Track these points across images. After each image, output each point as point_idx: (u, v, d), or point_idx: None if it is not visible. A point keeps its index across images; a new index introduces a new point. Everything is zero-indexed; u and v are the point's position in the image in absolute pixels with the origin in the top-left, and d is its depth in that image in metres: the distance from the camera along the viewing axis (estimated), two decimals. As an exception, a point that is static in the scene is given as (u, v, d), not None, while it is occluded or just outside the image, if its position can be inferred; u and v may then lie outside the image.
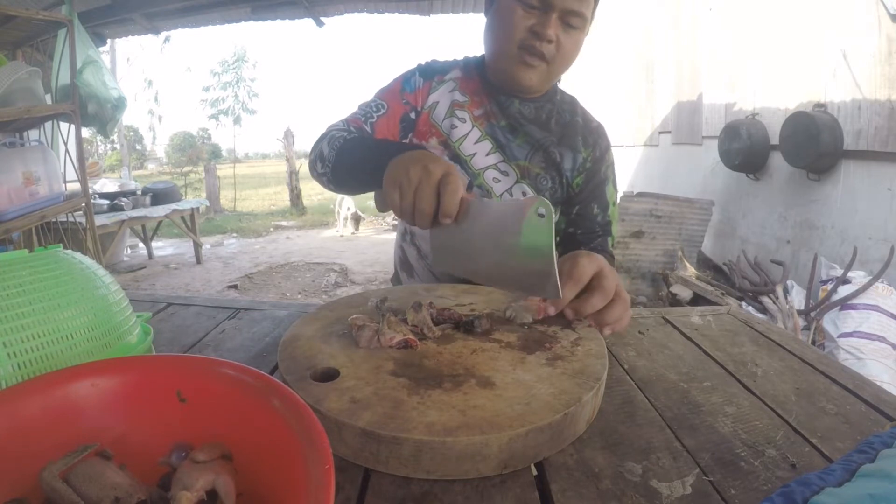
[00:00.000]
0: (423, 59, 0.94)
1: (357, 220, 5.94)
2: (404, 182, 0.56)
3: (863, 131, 2.75)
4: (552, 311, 0.60)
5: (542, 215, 0.51)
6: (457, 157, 0.86)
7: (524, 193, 0.86)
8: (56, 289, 0.42)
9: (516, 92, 0.85)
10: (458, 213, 0.56)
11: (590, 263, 0.57)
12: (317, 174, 0.84)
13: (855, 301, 2.21)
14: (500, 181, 0.86)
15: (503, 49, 0.80)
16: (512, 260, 0.56)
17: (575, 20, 0.75)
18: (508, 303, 0.63)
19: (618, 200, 0.92)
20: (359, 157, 0.74)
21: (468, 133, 0.86)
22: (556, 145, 0.87)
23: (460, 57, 0.94)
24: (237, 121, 15.01)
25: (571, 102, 0.92)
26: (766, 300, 2.58)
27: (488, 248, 0.57)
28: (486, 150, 0.86)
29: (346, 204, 6.26)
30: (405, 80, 0.90)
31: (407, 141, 0.90)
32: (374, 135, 0.86)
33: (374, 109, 0.87)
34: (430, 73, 0.90)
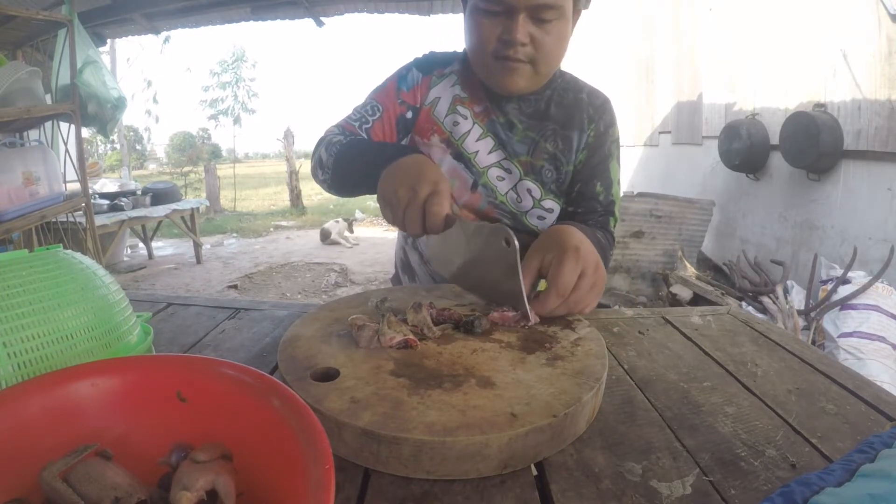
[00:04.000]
0: (419, 53, 0.90)
1: (336, 241, 6.13)
2: (394, 201, 0.61)
3: (863, 131, 2.75)
4: (534, 318, 0.59)
5: (508, 243, 0.56)
6: (460, 155, 0.84)
7: (529, 191, 0.84)
8: (56, 289, 0.42)
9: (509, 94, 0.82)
10: (445, 227, 0.60)
11: (573, 270, 0.58)
12: (319, 180, 0.85)
13: (855, 301, 2.21)
14: (503, 179, 0.84)
15: (479, 61, 0.77)
16: (487, 276, 0.62)
17: (548, 13, 0.69)
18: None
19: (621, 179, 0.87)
20: (356, 164, 0.76)
21: (470, 130, 0.83)
22: (561, 130, 0.84)
23: (460, 50, 0.89)
24: (237, 121, 15.01)
25: (574, 80, 0.88)
26: (766, 300, 2.58)
27: (468, 263, 0.64)
28: (488, 147, 0.84)
29: (335, 227, 6.29)
30: (400, 78, 0.86)
31: (406, 141, 0.88)
32: (370, 140, 0.83)
33: (370, 113, 0.84)
34: (430, 67, 0.86)
